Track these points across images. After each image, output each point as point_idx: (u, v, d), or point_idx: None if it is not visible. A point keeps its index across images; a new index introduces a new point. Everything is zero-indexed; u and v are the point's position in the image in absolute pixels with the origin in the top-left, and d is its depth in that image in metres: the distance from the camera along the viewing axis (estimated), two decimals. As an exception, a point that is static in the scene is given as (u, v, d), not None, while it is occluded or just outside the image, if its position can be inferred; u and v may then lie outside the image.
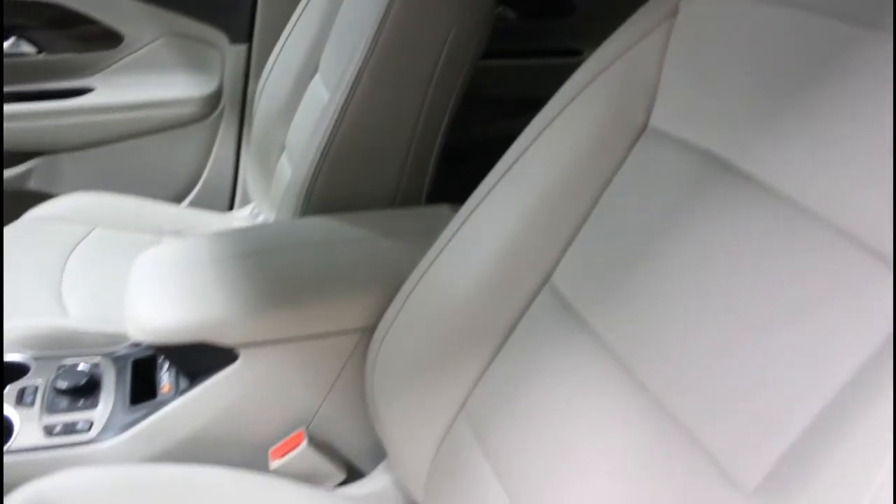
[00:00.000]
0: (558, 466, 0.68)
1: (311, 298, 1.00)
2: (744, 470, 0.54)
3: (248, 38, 1.69)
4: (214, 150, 1.81)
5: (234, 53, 1.74)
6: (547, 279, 0.81)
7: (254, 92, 1.68)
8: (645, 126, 0.76)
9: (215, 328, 0.95)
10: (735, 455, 0.55)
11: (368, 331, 0.97)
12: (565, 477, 0.67)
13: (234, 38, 1.72)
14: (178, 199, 1.79)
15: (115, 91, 1.73)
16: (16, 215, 1.57)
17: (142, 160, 1.78)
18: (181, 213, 1.66)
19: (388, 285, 0.97)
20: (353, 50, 1.22)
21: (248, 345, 0.97)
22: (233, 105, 1.78)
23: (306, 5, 1.54)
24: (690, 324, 0.61)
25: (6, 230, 1.50)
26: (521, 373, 0.79)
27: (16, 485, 0.87)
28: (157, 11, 1.68)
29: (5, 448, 0.97)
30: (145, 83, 1.74)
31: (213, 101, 1.77)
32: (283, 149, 1.56)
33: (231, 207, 1.88)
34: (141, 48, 1.72)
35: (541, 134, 0.83)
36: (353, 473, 1.07)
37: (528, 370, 0.78)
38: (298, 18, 1.54)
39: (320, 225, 1.17)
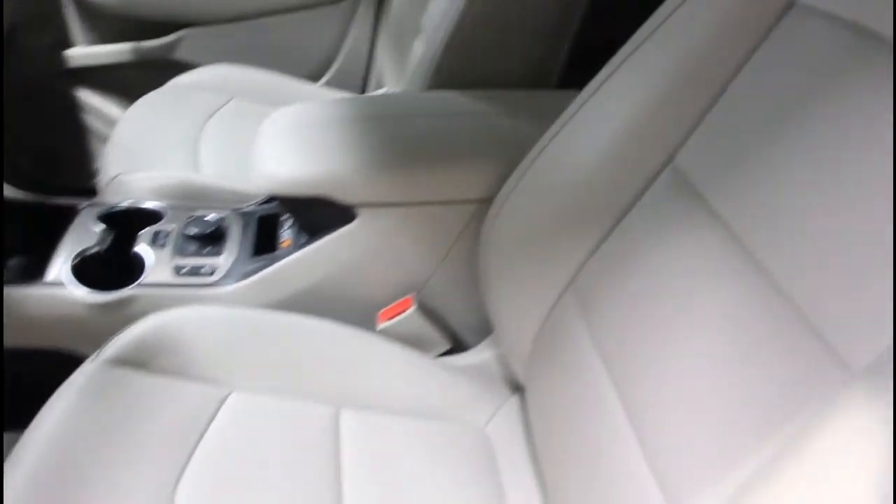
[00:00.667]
0: (664, 349, 0.67)
1: (431, 164, 1.00)
2: (854, 350, 0.51)
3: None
4: (351, 31, 1.82)
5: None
6: (670, 160, 0.79)
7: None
8: (791, 2, 0.71)
9: (336, 184, 0.97)
10: (847, 335, 0.52)
11: (485, 202, 0.97)
12: (670, 361, 0.66)
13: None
14: (313, 77, 1.81)
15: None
16: (161, 82, 1.64)
17: (281, 37, 1.81)
18: (315, 91, 1.69)
19: (508, 159, 0.96)
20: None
21: (366, 205, 0.99)
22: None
23: None
24: (815, 206, 0.58)
25: (152, 94, 1.57)
26: (634, 251, 0.77)
27: (144, 313, 0.93)
28: None
29: (139, 281, 1.04)
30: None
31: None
32: (417, 32, 1.55)
33: (364, 91, 1.90)
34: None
35: (673, 13, 0.79)
36: (457, 345, 1.08)
37: (641, 248, 0.76)
38: None
39: (446, 97, 1.17)
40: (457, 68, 1.26)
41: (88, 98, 1.84)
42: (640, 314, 0.71)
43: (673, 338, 0.66)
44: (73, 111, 1.84)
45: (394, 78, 1.63)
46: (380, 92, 1.73)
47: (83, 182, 1.62)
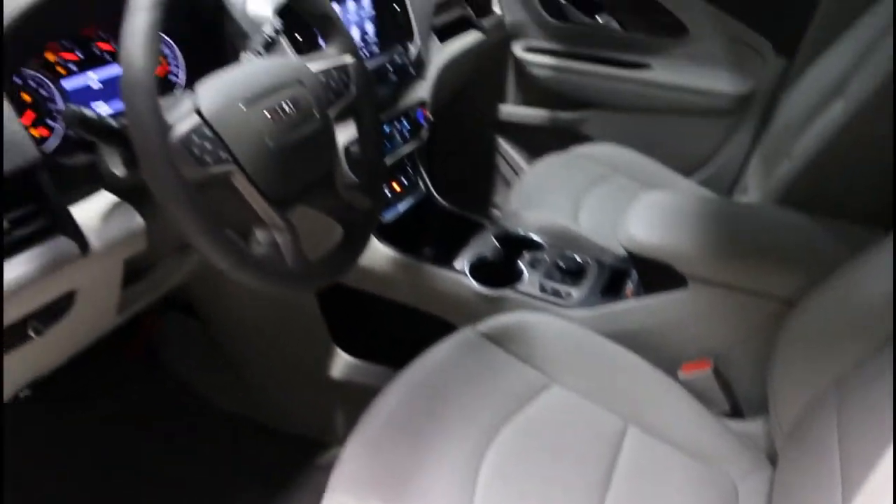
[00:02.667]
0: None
1: (757, 260, 1.25)
2: None
3: (791, 52, 1.91)
4: (731, 141, 2.08)
5: (774, 63, 1.97)
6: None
7: (780, 99, 1.90)
8: None
9: (677, 255, 1.26)
10: None
11: (789, 303, 1.19)
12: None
13: (780, 50, 1.95)
14: (687, 172, 2.09)
15: (667, 72, 2.09)
16: (562, 146, 2.05)
17: (668, 132, 2.14)
18: (686, 183, 1.97)
19: (818, 271, 1.16)
20: (876, 68, 1.36)
21: (698, 278, 1.26)
22: (758, 107, 2.02)
23: (853, 32, 1.69)
24: None
25: (555, 155, 1.97)
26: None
27: (511, 310, 1.30)
28: (721, 15, 1.98)
29: (515, 287, 1.41)
30: (692, 72, 2.07)
31: (744, 100, 2.03)
32: (788, 153, 1.76)
33: (730, 193, 2.14)
34: (698, 42, 2.04)
35: None
36: (735, 411, 1.31)
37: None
38: (841, 42, 1.70)
39: (792, 214, 1.39)
40: (812, 192, 1.46)
41: (504, 145, 2.32)
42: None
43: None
44: (491, 153, 2.35)
45: (757, 188, 1.85)
46: (742, 199, 1.96)
47: (482, 206, 2.07)
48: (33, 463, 1.65)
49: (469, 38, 1.92)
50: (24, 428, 1.66)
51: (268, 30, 1.16)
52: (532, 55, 2.20)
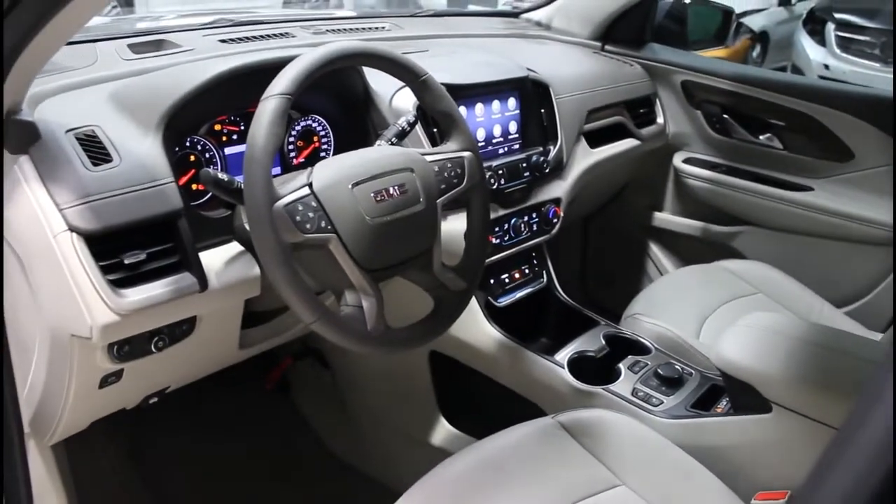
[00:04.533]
0: None
1: (843, 397, 1.21)
2: None
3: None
4: (888, 277, 1.99)
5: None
6: None
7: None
8: None
9: (763, 379, 1.26)
10: None
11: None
12: None
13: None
14: (838, 304, 1.99)
15: (829, 196, 2.04)
16: (710, 260, 2.05)
17: (824, 258, 2.07)
18: (832, 313, 1.88)
19: None
20: None
21: (782, 406, 1.25)
22: (922, 245, 1.93)
23: None
24: None
25: (698, 266, 1.98)
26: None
27: (600, 408, 1.34)
28: (889, 141, 1.93)
29: (608, 387, 1.45)
30: (855, 198, 2.01)
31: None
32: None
33: (884, 331, 2.03)
34: (864, 168, 1.99)
35: None
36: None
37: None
38: None
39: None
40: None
41: (655, 250, 2.35)
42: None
43: None
44: (641, 256, 2.38)
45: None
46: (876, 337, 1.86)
47: (610, 302, 2.11)
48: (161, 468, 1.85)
49: (622, 146, 2.00)
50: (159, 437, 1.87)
51: (402, 122, 1.31)
52: (691, 167, 2.24)
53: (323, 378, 1.94)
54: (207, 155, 1.27)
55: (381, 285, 1.11)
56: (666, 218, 2.33)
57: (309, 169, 1.09)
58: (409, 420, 1.75)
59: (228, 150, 1.29)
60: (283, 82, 1.03)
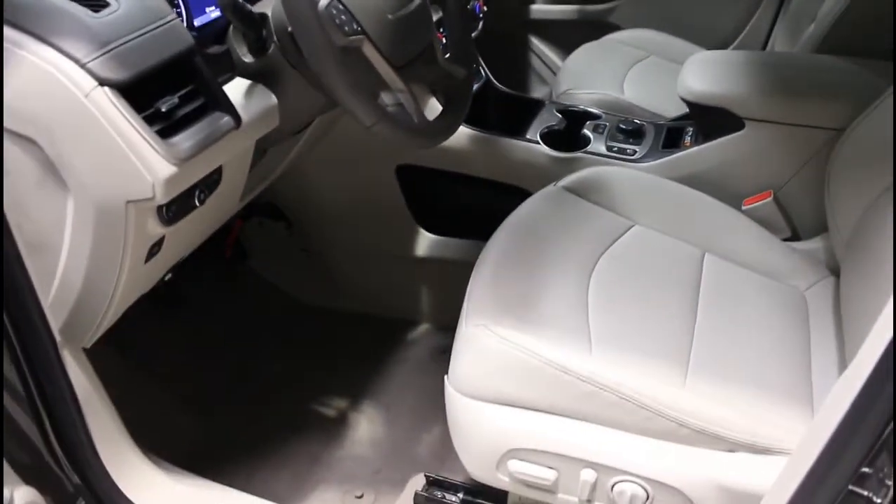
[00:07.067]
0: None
1: (803, 94, 1.39)
2: None
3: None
4: (754, 16, 2.22)
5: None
6: None
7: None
8: None
9: (735, 100, 1.41)
10: None
11: (837, 132, 1.33)
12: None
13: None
14: (715, 48, 2.19)
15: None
16: (593, 38, 2.18)
17: (693, 12, 2.28)
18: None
19: (862, 99, 1.29)
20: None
21: (753, 119, 1.41)
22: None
23: None
24: None
25: (592, 43, 2.11)
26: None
27: (580, 168, 1.45)
28: None
29: (585, 150, 1.56)
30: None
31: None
32: (812, 19, 1.88)
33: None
34: None
35: None
36: (795, 236, 1.46)
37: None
38: None
39: (831, 58, 1.53)
40: (839, 45, 1.60)
41: (537, 43, 2.45)
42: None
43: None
44: (525, 51, 2.48)
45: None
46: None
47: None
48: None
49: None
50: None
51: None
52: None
53: (277, 231, 1.91)
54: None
55: None
56: (542, 8, 2.42)
57: None
58: (388, 240, 1.78)
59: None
60: None
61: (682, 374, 1.08)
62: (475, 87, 1.74)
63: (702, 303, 1.23)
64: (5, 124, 0.97)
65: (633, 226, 1.36)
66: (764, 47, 2.18)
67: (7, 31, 0.94)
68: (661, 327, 1.16)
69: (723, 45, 2.25)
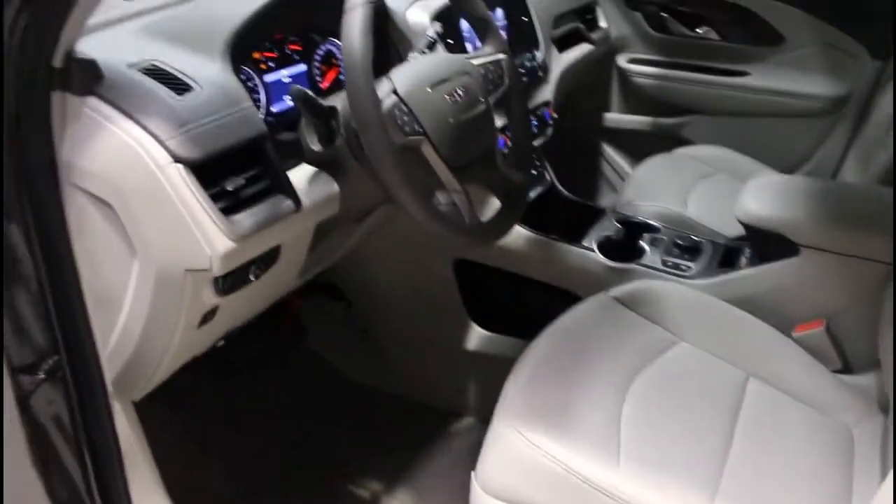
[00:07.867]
0: None
1: (865, 228, 1.38)
2: None
3: (885, 55, 2.04)
4: (828, 140, 2.21)
5: (870, 68, 2.10)
6: None
7: (875, 99, 2.03)
8: None
9: (790, 225, 1.41)
10: None
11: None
12: None
13: (874, 54, 2.08)
14: (786, 171, 2.20)
15: (764, 78, 2.24)
16: (668, 149, 2.22)
17: (766, 134, 2.28)
18: (784, 180, 2.10)
19: None
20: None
21: (808, 246, 1.41)
22: (854, 107, 2.14)
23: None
24: None
25: (661, 155, 2.14)
26: None
27: (633, 279, 1.46)
28: (816, 22, 2.13)
29: (640, 261, 1.57)
30: (789, 77, 2.21)
31: (840, 101, 2.16)
32: (884, 147, 1.89)
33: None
34: (795, 49, 2.19)
35: None
36: (846, 368, 1.43)
37: None
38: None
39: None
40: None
41: (609, 150, 2.50)
42: None
43: None
44: (596, 158, 2.53)
45: (856, 179, 1.99)
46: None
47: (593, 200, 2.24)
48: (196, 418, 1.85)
49: (580, 50, 2.11)
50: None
51: (430, 33, 1.36)
52: (635, 66, 2.38)
53: (336, 312, 1.97)
54: (250, 84, 1.27)
55: None
56: (616, 117, 2.48)
57: (382, 78, 1.13)
58: (440, 331, 1.82)
59: (268, 78, 1.30)
60: None
61: (709, 499, 1.07)
62: (538, 191, 1.79)
63: (739, 428, 1.21)
64: (89, 188, 1.05)
65: (678, 342, 1.36)
66: (835, 174, 2.17)
67: (102, 105, 1.03)
68: (694, 449, 1.15)
69: (793, 168, 2.25)
